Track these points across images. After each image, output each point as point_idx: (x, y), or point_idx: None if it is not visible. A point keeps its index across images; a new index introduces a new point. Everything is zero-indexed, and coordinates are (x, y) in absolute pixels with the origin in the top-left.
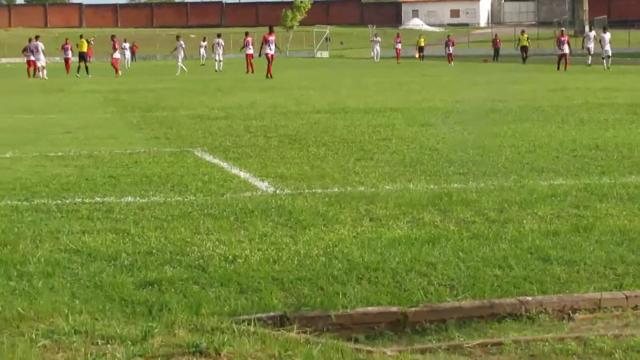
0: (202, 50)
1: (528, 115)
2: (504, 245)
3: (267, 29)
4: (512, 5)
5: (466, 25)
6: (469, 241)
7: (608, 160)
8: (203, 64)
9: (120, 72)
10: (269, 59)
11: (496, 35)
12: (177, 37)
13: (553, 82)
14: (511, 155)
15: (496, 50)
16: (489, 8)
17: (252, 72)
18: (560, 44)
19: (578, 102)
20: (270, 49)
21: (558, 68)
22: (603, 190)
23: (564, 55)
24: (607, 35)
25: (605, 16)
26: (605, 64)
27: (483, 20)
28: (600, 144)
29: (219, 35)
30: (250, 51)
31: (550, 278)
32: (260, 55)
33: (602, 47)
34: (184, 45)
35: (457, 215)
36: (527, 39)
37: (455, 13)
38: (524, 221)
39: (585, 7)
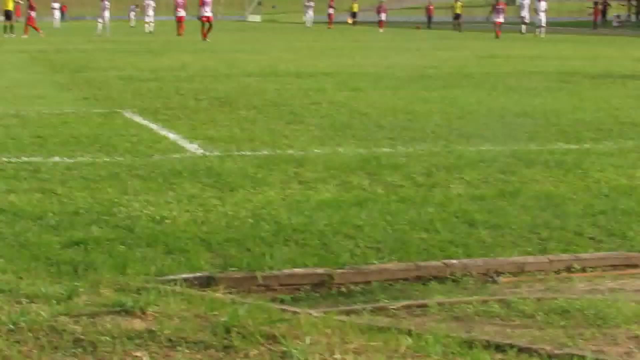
0: (132, 14)
1: (458, 82)
2: (430, 209)
3: None
4: None
5: None
6: (396, 204)
7: (535, 127)
8: (132, 26)
9: (41, 32)
10: (204, 22)
11: (429, 2)
12: None
13: (484, 49)
14: (440, 120)
15: (429, 18)
16: None
17: (181, 34)
18: (496, 11)
19: (508, 70)
20: (205, 11)
21: (496, 36)
22: (530, 157)
23: (500, 23)
24: (543, 4)
25: None
26: (539, 33)
27: None
28: (529, 110)
29: None
30: (181, 13)
31: (475, 242)
32: (198, 17)
33: (537, 16)
34: (107, 6)
35: (385, 179)
36: (461, 6)
37: None
38: (451, 185)
39: None
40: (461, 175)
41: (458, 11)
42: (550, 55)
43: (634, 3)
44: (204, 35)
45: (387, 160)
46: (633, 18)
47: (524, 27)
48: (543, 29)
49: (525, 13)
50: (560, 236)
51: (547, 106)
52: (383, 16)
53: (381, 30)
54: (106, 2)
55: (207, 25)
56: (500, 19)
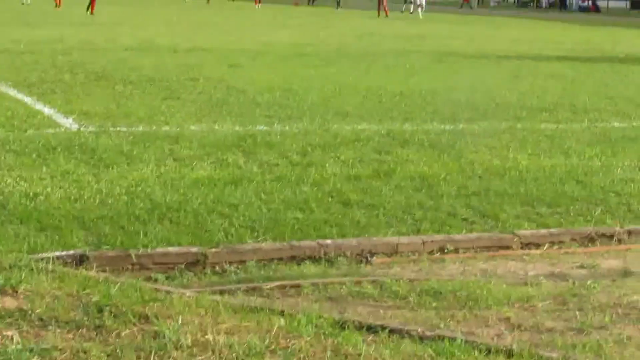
0: None
1: (336, 59)
2: (305, 188)
3: None
4: None
5: None
6: (271, 183)
7: (411, 106)
8: None
9: None
10: None
11: None
12: None
13: (362, 27)
14: (317, 99)
15: None
16: None
17: (59, 5)
18: None
19: (386, 49)
20: None
21: (378, 14)
22: (405, 136)
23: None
24: None
25: None
26: (418, 12)
27: None
28: (405, 90)
29: None
30: None
31: (350, 222)
32: None
33: None
34: None
35: (260, 158)
36: None
37: None
38: (327, 165)
39: None
40: (337, 154)
41: None
42: (428, 34)
43: None
44: (92, 10)
45: (263, 138)
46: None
47: (405, 6)
48: (421, 9)
49: None
50: (434, 217)
51: (423, 86)
52: None
53: (257, 6)
54: None
55: None
56: None
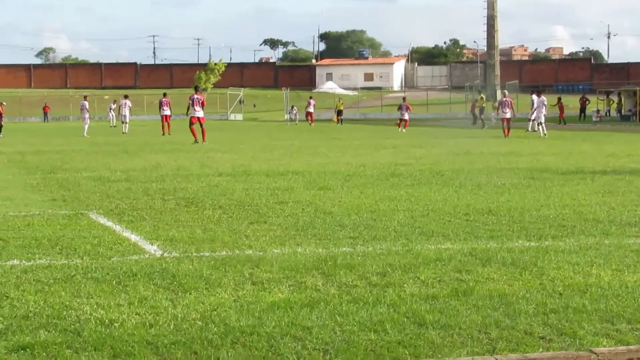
0: (111, 112)
1: (427, 179)
2: (382, 309)
3: (186, 89)
4: (425, 69)
5: (380, 88)
6: (347, 305)
7: (498, 224)
8: (114, 126)
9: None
10: (193, 122)
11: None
12: (85, 97)
13: (459, 146)
14: (404, 219)
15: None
16: (403, 72)
17: (169, 133)
18: (502, 106)
19: (479, 167)
20: (195, 110)
21: (505, 135)
22: (488, 255)
23: (508, 119)
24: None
25: (517, 81)
26: (539, 130)
27: (397, 83)
28: (493, 208)
29: (125, 97)
30: (166, 112)
31: (424, 342)
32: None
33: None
34: (86, 106)
35: (339, 279)
36: (342, 103)
37: (369, 76)
38: (405, 285)
39: (497, 71)
40: (416, 274)
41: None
42: (524, 152)
43: (615, 99)
44: (203, 138)
45: (344, 260)
46: (614, 113)
47: (531, 124)
48: (542, 128)
49: (537, 110)
50: (510, 335)
51: (512, 203)
52: (406, 115)
53: (401, 129)
54: (85, 102)
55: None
56: (508, 115)
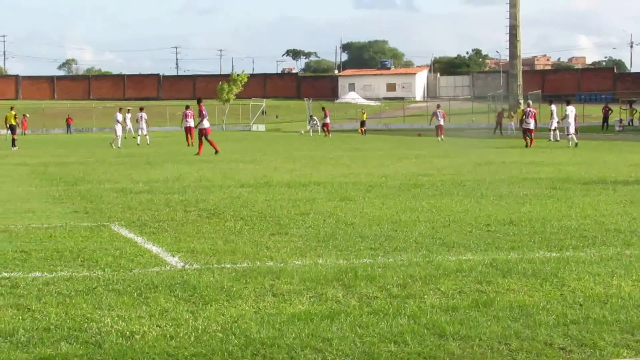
0: (129, 123)
1: (449, 190)
2: (402, 320)
3: (209, 100)
4: (447, 79)
5: (402, 99)
6: (368, 317)
7: (519, 235)
8: (134, 137)
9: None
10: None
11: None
12: (120, 109)
13: (483, 156)
14: (425, 230)
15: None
16: (425, 82)
17: (192, 144)
18: (526, 117)
19: (501, 177)
20: (201, 122)
21: (527, 145)
22: (509, 266)
23: (530, 130)
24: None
25: (539, 91)
26: (569, 139)
27: (419, 94)
28: (515, 218)
29: (141, 109)
30: (190, 124)
31: (444, 353)
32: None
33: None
34: (118, 119)
35: (360, 291)
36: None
37: (391, 87)
38: (426, 296)
39: (520, 81)
40: (437, 285)
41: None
42: (546, 162)
43: (638, 108)
44: (216, 148)
45: (364, 271)
46: (637, 122)
47: (553, 134)
48: (570, 137)
49: (556, 119)
50: (530, 347)
51: (533, 214)
52: (442, 120)
53: (440, 138)
54: (118, 114)
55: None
56: (531, 126)
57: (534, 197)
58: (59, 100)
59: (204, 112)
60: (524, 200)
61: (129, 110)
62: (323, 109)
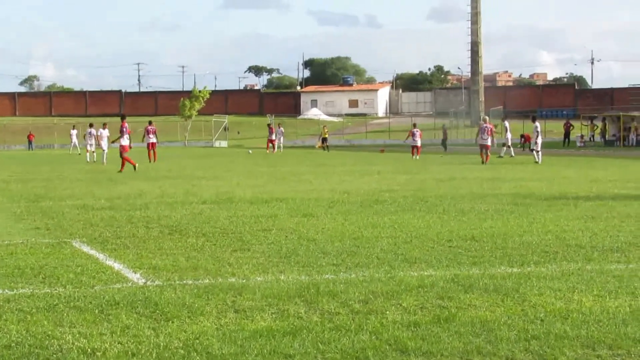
0: (74, 139)
1: (411, 206)
2: (364, 336)
3: (171, 117)
4: (409, 95)
5: (364, 115)
6: (330, 333)
7: (481, 250)
8: (79, 154)
9: None
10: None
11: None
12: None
13: (445, 172)
14: (387, 246)
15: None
16: (387, 98)
17: (154, 161)
18: (481, 132)
19: (463, 193)
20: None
21: (482, 162)
22: (470, 281)
23: (486, 146)
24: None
25: (502, 107)
26: (535, 156)
27: (381, 110)
28: (476, 234)
29: (91, 125)
30: (152, 140)
31: None
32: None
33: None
34: (93, 133)
35: (322, 307)
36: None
37: (353, 103)
38: (388, 312)
39: (482, 97)
40: (399, 301)
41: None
42: (508, 177)
43: (599, 124)
44: (133, 164)
45: (326, 287)
46: (598, 138)
47: (505, 149)
48: (537, 153)
49: (509, 135)
50: None
51: (495, 229)
52: (419, 141)
53: (415, 157)
54: (73, 131)
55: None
56: (488, 142)
57: (495, 212)
58: (21, 117)
59: (124, 129)
60: (486, 215)
61: (73, 126)
62: (268, 125)
